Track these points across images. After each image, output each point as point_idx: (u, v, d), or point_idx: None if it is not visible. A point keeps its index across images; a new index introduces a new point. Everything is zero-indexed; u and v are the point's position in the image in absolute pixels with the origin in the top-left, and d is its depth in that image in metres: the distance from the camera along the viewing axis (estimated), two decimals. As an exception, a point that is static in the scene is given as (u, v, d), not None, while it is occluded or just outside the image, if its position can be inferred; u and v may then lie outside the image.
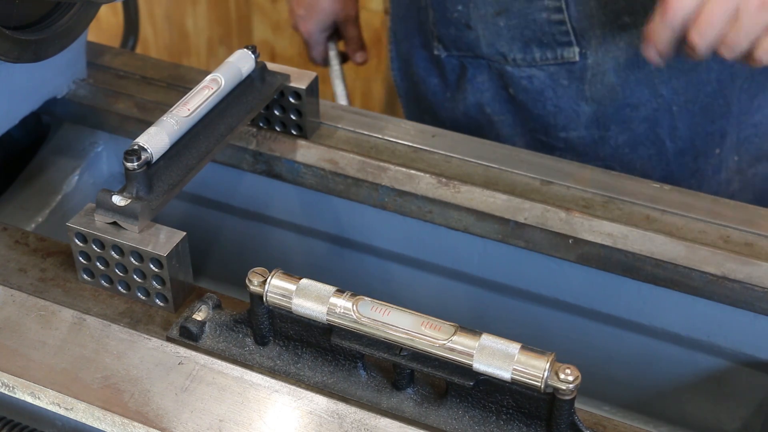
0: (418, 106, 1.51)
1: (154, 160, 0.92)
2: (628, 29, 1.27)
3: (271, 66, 1.10)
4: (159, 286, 0.90)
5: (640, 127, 1.34)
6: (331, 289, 0.80)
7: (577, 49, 1.29)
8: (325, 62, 1.66)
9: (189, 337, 0.87)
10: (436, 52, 1.41)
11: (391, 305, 0.79)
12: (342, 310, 0.79)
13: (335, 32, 1.64)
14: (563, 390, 0.73)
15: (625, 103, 1.32)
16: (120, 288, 0.92)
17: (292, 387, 0.84)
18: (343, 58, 1.66)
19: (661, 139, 1.34)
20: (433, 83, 1.46)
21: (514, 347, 0.75)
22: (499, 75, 1.36)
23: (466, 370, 0.77)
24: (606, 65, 1.30)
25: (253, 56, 1.06)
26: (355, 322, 0.79)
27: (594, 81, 1.32)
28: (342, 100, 1.62)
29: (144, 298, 0.92)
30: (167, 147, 0.94)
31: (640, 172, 1.36)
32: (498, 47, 1.33)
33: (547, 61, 1.31)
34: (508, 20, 1.30)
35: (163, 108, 1.03)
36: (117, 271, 0.91)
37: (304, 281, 0.81)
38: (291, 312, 0.81)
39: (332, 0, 1.59)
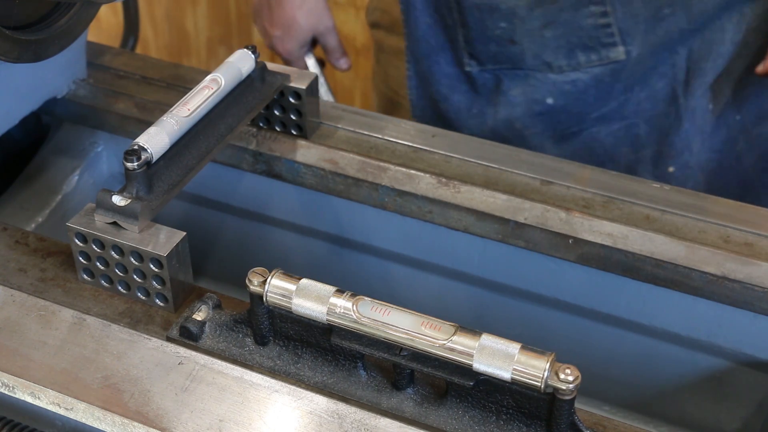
0: (436, 125, 1.51)
1: (154, 160, 0.92)
2: (666, 19, 1.31)
3: (271, 66, 1.11)
4: (159, 286, 0.90)
5: (659, 84, 1.37)
6: (331, 289, 0.80)
7: (622, 48, 1.33)
8: (303, 68, 1.64)
9: (189, 337, 0.87)
10: (467, 69, 1.41)
11: (391, 305, 0.79)
12: (342, 310, 0.79)
13: (311, 43, 1.64)
14: (563, 390, 0.73)
15: (645, 65, 1.36)
16: (120, 288, 0.92)
17: (292, 387, 0.84)
18: (321, 63, 1.65)
19: (676, 95, 1.37)
20: (456, 101, 1.46)
21: (514, 347, 0.75)
22: (535, 86, 1.38)
23: (466, 370, 0.77)
24: (645, 54, 1.34)
25: (253, 56, 1.06)
26: (355, 322, 0.79)
27: (635, 69, 1.35)
28: None
29: (144, 298, 0.92)
30: (167, 147, 0.94)
31: (659, 131, 1.40)
32: (544, 57, 1.35)
33: (591, 63, 1.34)
34: (554, 31, 1.33)
35: (163, 108, 1.03)
36: (117, 271, 0.91)
37: (304, 281, 0.81)
38: (291, 312, 0.81)
39: (309, 15, 1.57)
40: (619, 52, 1.33)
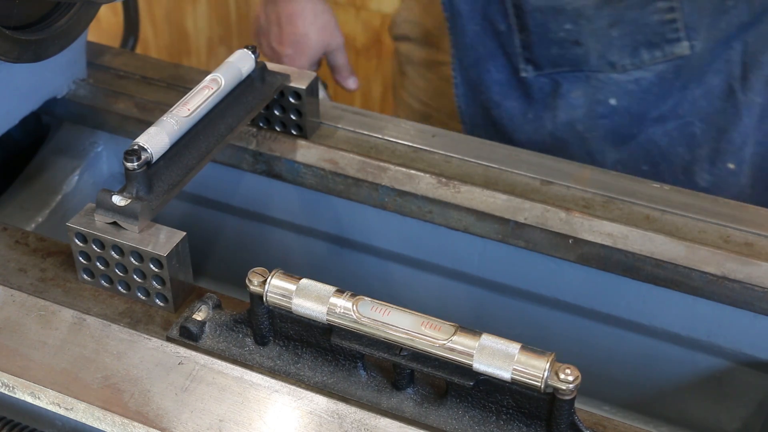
0: (487, 131, 1.49)
1: (154, 160, 0.92)
2: (730, 11, 1.31)
3: (271, 66, 1.11)
4: (159, 286, 0.90)
5: (714, 80, 1.36)
6: (331, 289, 0.80)
7: (686, 44, 1.31)
8: None
9: (189, 337, 0.87)
10: (523, 74, 1.39)
11: (391, 305, 0.79)
12: (342, 310, 0.79)
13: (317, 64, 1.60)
14: (563, 390, 0.73)
15: (703, 61, 1.35)
16: (120, 288, 0.92)
17: (292, 387, 0.84)
18: (324, 85, 1.60)
19: (733, 90, 1.36)
20: (510, 107, 1.44)
21: (514, 347, 0.75)
22: (597, 87, 1.36)
23: (466, 370, 0.77)
24: (706, 49, 1.33)
25: (253, 56, 1.06)
26: (355, 322, 0.79)
27: (694, 66, 1.34)
28: None
29: (144, 298, 0.92)
30: (167, 147, 0.94)
31: (716, 129, 1.38)
32: (608, 57, 1.34)
33: (655, 60, 1.33)
34: (621, 29, 1.32)
35: (163, 108, 1.03)
36: (117, 271, 0.91)
37: (304, 281, 0.81)
38: (291, 312, 0.81)
39: (321, 32, 1.53)
40: (683, 48, 1.32)
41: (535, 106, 1.43)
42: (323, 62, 1.60)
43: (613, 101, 1.37)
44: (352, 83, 1.61)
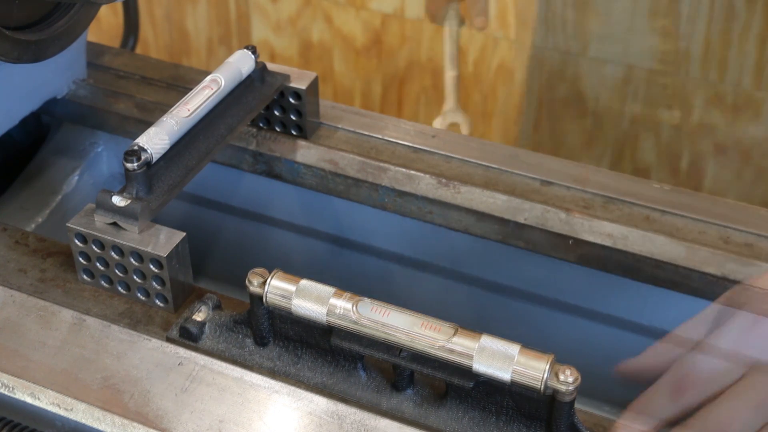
0: None
1: (154, 160, 0.92)
2: None
3: (271, 66, 1.11)
4: (159, 287, 0.90)
5: None
6: (331, 289, 0.80)
7: None
8: (441, 19, 1.45)
9: (189, 338, 0.87)
10: None
11: (391, 306, 0.79)
12: (342, 311, 0.79)
13: None
14: (563, 391, 0.73)
15: None
16: (120, 288, 0.92)
17: (292, 388, 0.84)
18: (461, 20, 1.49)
19: None
20: None
21: (513, 348, 0.75)
22: None
23: (466, 371, 0.77)
24: None
25: (253, 56, 1.06)
26: (355, 323, 0.79)
27: None
28: (450, 67, 1.45)
29: (144, 298, 0.92)
30: (167, 147, 0.94)
31: None
32: None
33: None
34: None
35: (163, 108, 1.03)
36: (117, 271, 0.91)
37: (304, 282, 0.81)
38: (291, 313, 0.81)
39: None
40: None
41: None
42: None
43: None
44: (479, 22, 1.45)
